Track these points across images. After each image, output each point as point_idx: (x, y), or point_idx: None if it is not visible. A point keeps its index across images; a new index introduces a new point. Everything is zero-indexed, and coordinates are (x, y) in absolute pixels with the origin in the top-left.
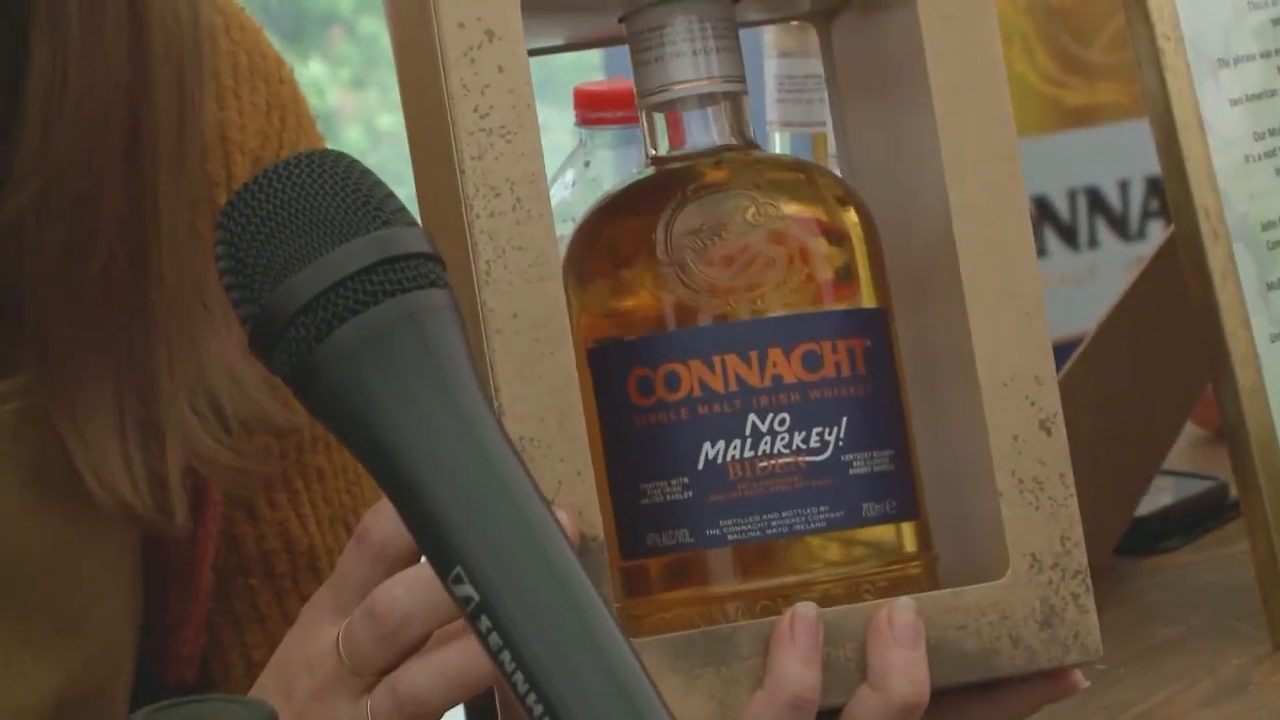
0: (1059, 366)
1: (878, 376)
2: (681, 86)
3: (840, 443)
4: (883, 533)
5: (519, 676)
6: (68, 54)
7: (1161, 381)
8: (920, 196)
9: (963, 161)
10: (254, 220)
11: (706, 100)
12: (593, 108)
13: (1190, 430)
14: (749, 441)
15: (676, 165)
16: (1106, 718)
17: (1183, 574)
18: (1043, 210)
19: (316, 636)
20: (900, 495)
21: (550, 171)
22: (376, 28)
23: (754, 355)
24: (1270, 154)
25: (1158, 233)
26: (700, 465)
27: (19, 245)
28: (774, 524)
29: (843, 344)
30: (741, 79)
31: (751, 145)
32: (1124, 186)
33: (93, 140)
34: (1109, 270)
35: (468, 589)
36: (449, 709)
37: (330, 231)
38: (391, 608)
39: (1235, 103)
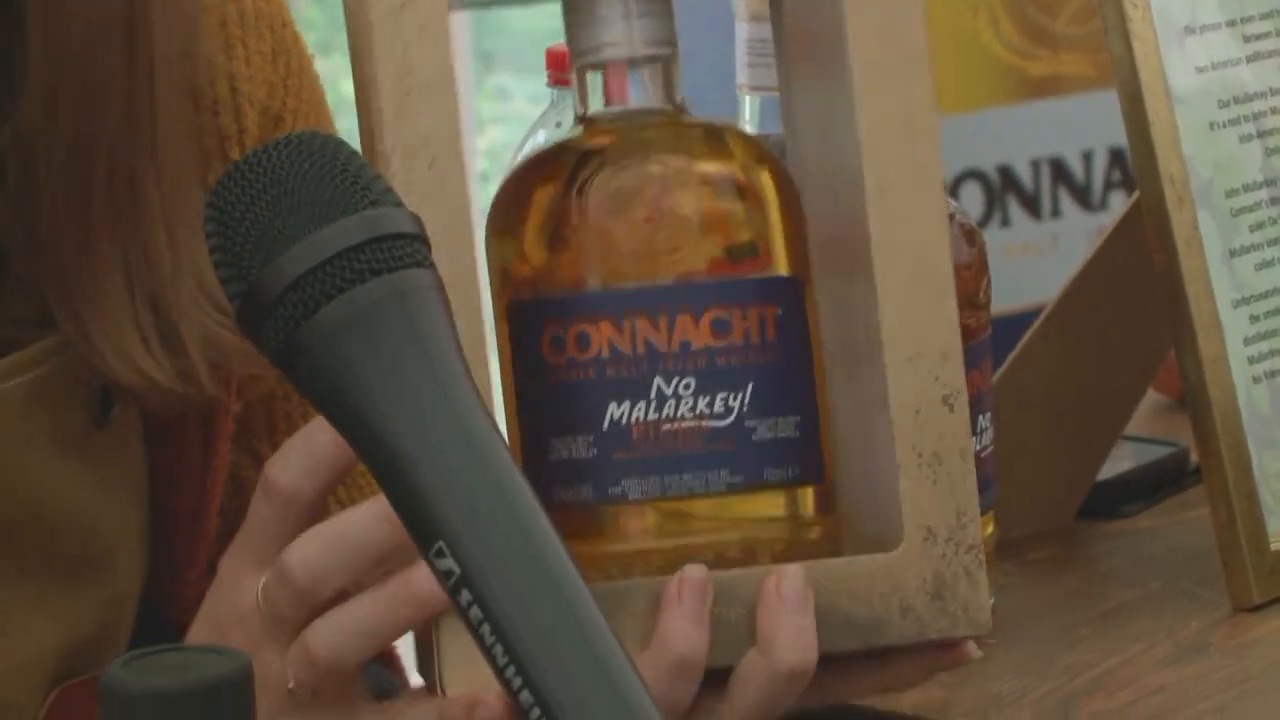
0: (1020, 336)
1: (788, 344)
2: (611, 49)
3: (744, 408)
4: (783, 497)
5: (499, 649)
6: None
7: (1124, 348)
8: (843, 170)
9: (880, 139)
10: (243, 199)
11: (635, 63)
12: (563, 69)
13: (1152, 397)
14: (654, 403)
15: (602, 126)
16: (1067, 679)
17: (1143, 538)
18: (1006, 180)
19: (241, 590)
20: (804, 461)
21: (522, 135)
22: None
23: (663, 319)
24: (1235, 121)
25: (1120, 203)
26: (605, 425)
27: (31, 149)
28: (674, 485)
29: (754, 311)
30: (673, 43)
31: (680, 109)
32: (1087, 157)
33: (93, 34)
34: (1071, 240)
35: (449, 562)
36: (363, 661)
37: (318, 211)
38: (304, 567)
39: (1201, 70)
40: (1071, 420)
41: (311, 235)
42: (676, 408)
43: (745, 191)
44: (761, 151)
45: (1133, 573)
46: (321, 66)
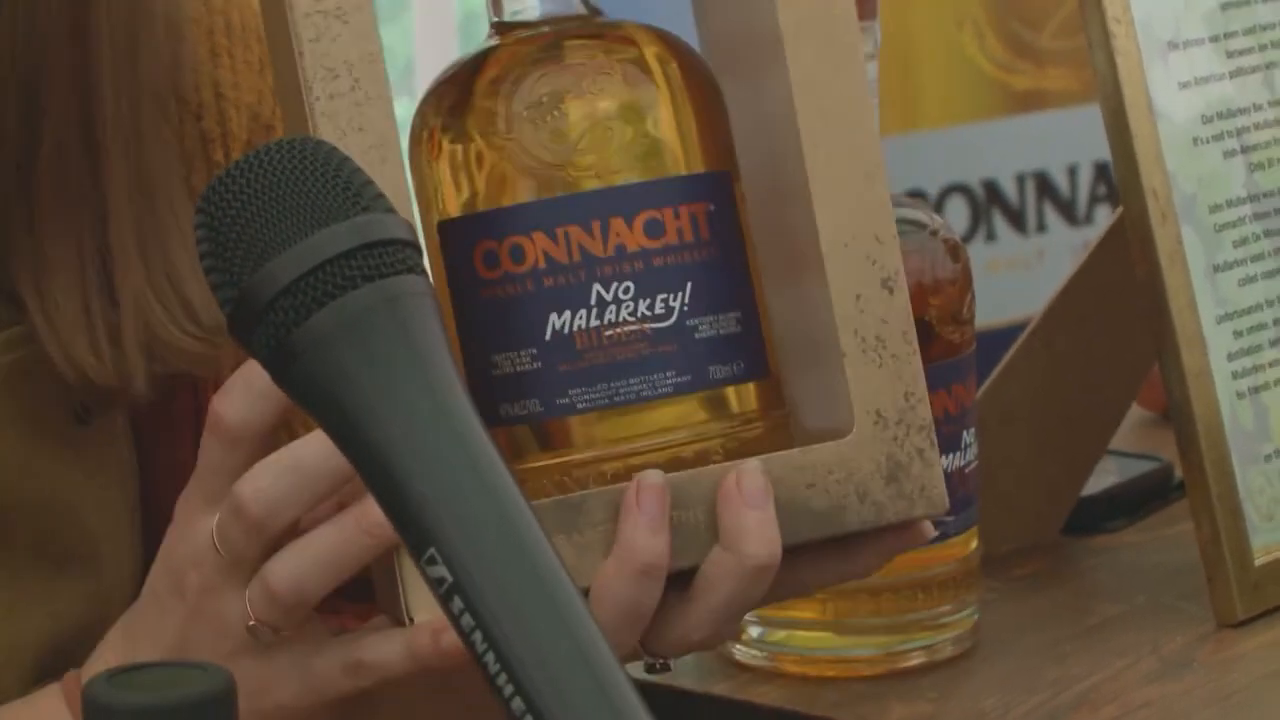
0: (1006, 351)
1: (722, 240)
2: None
3: (685, 308)
4: (731, 394)
5: (490, 657)
6: None
7: (1108, 363)
8: (766, 63)
9: (800, 32)
10: (234, 205)
11: None
12: None
13: (1136, 412)
14: (594, 311)
15: (517, 34)
16: (1051, 694)
17: (1127, 553)
18: (991, 194)
19: (195, 532)
20: (748, 356)
21: None
22: None
23: (596, 225)
24: (1218, 137)
25: (1105, 218)
26: (548, 336)
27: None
28: (622, 391)
29: (685, 209)
30: None
31: (595, 12)
32: (1072, 172)
33: (40, 23)
34: (1056, 254)
35: (441, 570)
36: (325, 593)
37: (309, 217)
38: (256, 498)
39: (1184, 86)
40: (1056, 435)
41: (303, 241)
42: (617, 313)
43: (667, 86)
44: (674, 46)
45: (1117, 588)
46: None
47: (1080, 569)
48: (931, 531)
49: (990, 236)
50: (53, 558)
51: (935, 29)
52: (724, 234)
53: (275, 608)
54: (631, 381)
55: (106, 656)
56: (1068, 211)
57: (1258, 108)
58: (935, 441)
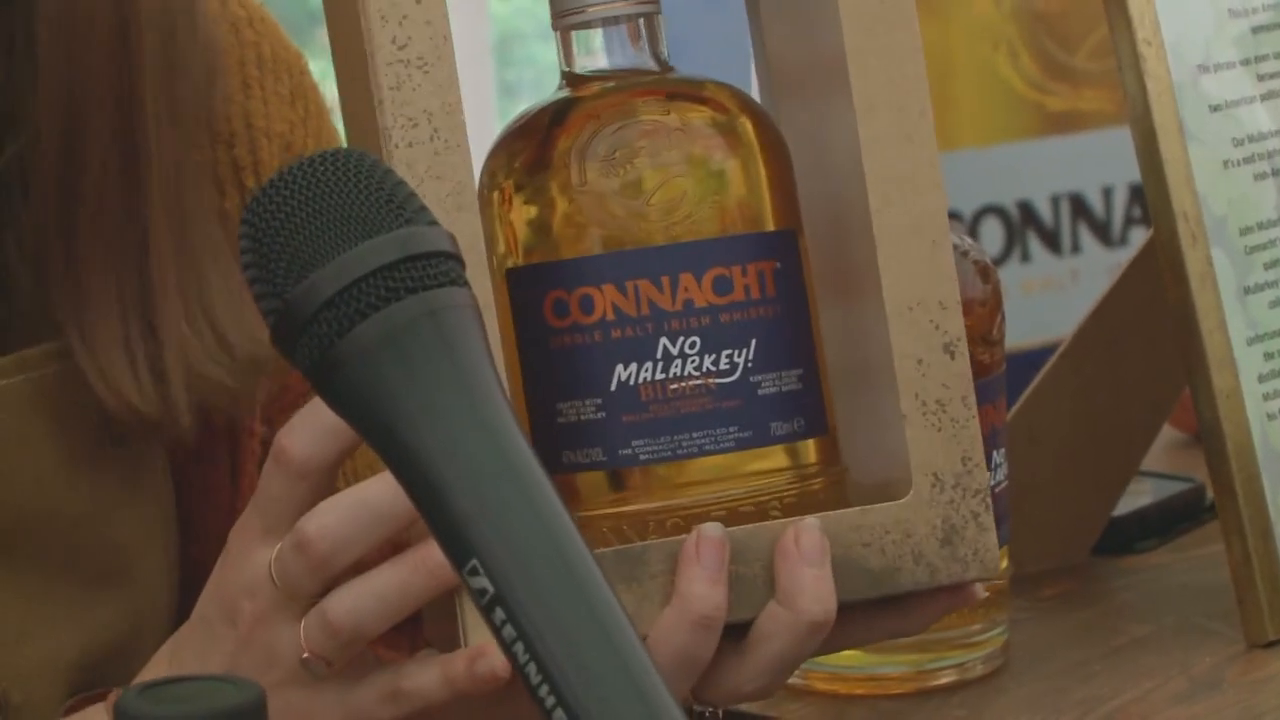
0: (1037, 373)
1: (787, 298)
2: (595, 8)
3: (749, 364)
4: (791, 450)
5: (532, 668)
6: None
7: (1139, 384)
8: (834, 124)
9: (873, 95)
10: (278, 216)
11: (620, 20)
12: None
13: (1167, 432)
14: (660, 364)
15: (590, 87)
16: (1080, 713)
17: (1158, 574)
18: (1026, 215)
19: (251, 562)
20: (808, 413)
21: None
22: None
23: (665, 280)
24: (1249, 160)
25: (1140, 240)
26: (613, 386)
27: (23, 170)
28: (684, 444)
29: (753, 267)
30: (655, 0)
31: (665, 67)
32: (1108, 193)
33: (82, 65)
34: (1091, 275)
35: (483, 581)
36: (382, 631)
37: (353, 229)
38: (322, 535)
39: (1215, 109)
40: (1086, 456)
41: (346, 253)
42: (683, 367)
43: (738, 146)
44: (748, 105)
45: (1147, 609)
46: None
47: (1110, 589)
48: (982, 593)
49: (1025, 257)
50: (86, 574)
51: (970, 49)
52: (789, 291)
53: (332, 642)
54: (694, 435)
55: (151, 677)
56: (1102, 233)
57: None
58: (990, 506)
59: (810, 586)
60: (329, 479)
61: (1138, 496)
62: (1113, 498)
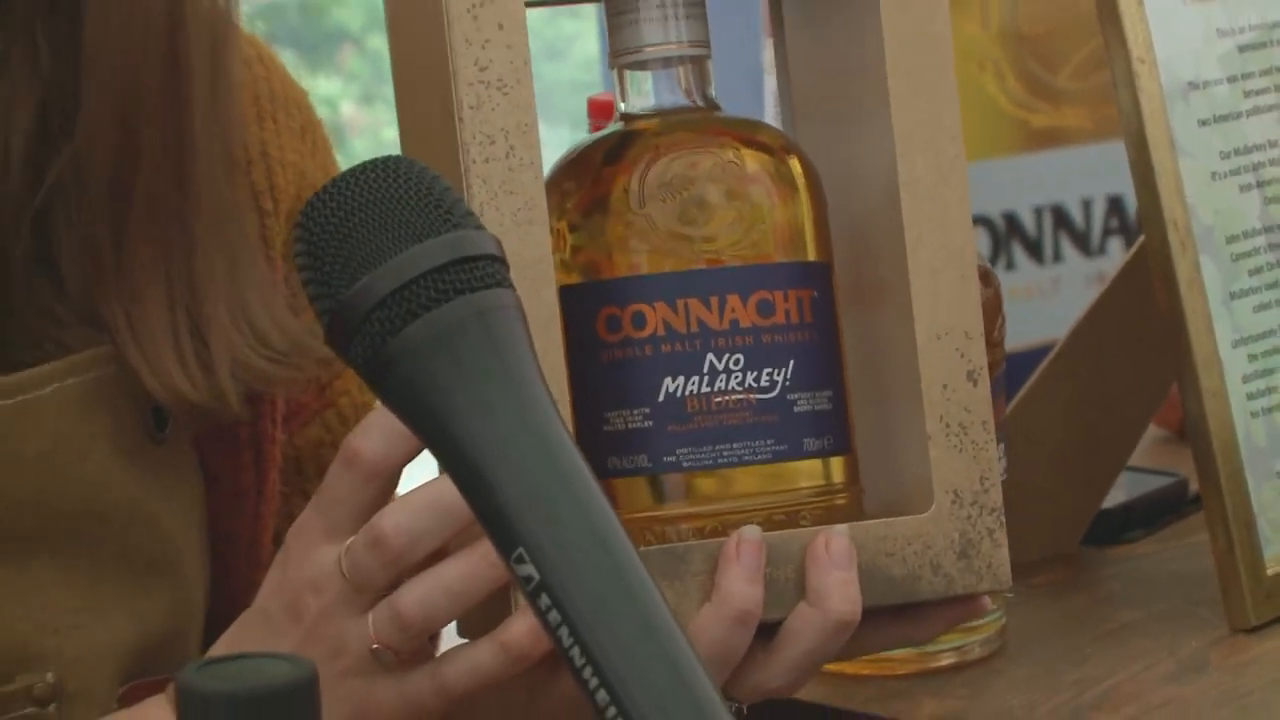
0: (1027, 372)
1: (821, 324)
2: (652, 49)
3: (787, 382)
4: (820, 465)
5: (575, 651)
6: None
7: (1128, 385)
8: (867, 165)
9: (912, 138)
10: (331, 221)
11: (674, 62)
12: (602, 115)
13: (1153, 429)
14: (706, 378)
15: (646, 122)
16: (1074, 694)
17: (1145, 563)
18: (1011, 226)
19: (314, 559)
20: (836, 432)
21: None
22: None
23: (714, 300)
24: (1235, 172)
25: (1117, 249)
26: (661, 398)
27: (79, 179)
28: (725, 454)
29: (793, 294)
30: (707, 44)
31: (713, 106)
32: (1087, 205)
33: (135, 68)
34: (1072, 283)
35: (529, 569)
36: (449, 623)
37: (404, 233)
38: (398, 532)
39: (1204, 123)
40: (1077, 452)
41: (397, 256)
42: (727, 382)
43: (783, 182)
44: (792, 144)
45: (1135, 595)
46: (364, 115)
47: (1100, 577)
48: (990, 605)
49: (1010, 265)
50: (135, 566)
51: (959, 70)
52: (823, 318)
53: (402, 633)
54: (735, 446)
55: None
56: (1082, 243)
57: (1273, 144)
58: (1004, 524)
59: (838, 588)
60: (395, 481)
61: (1124, 490)
62: (1102, 491)
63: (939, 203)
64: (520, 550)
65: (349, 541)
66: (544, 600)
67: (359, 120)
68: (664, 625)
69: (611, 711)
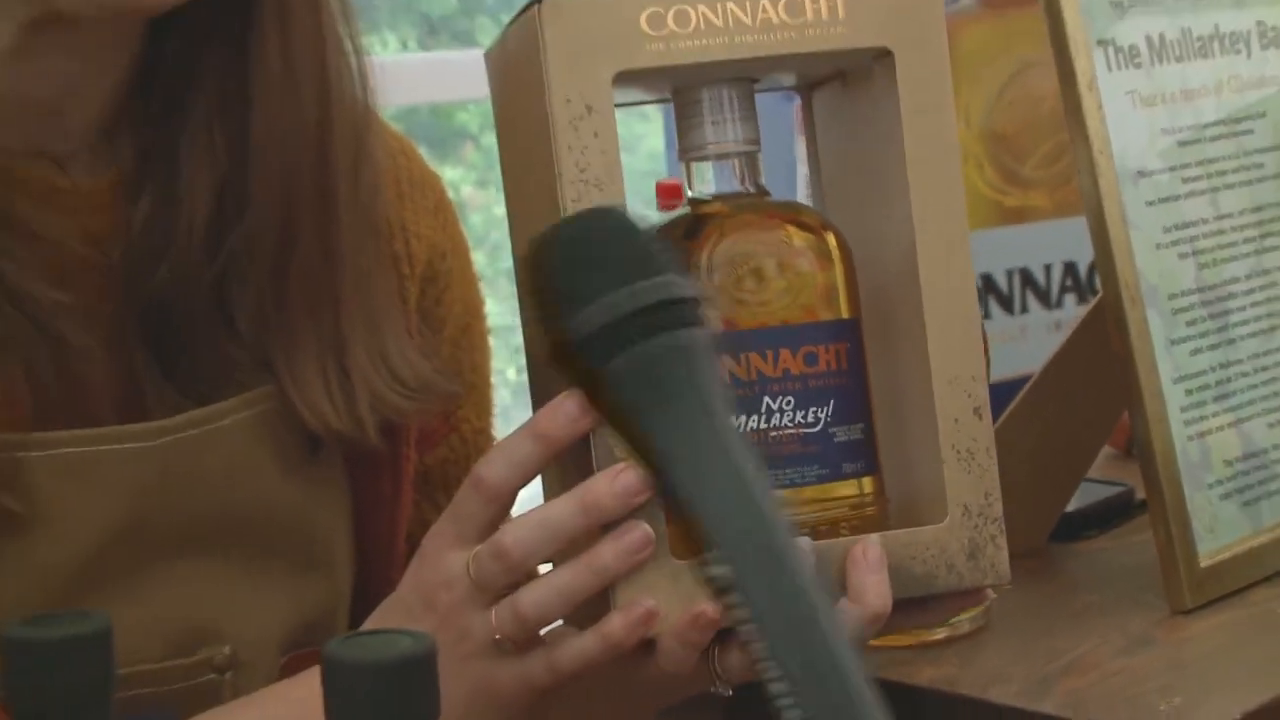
0: (1004, 402)
1: (854, 370)
2: (714, 146)
3: (828, 419)
4: (854, 484)
5: (759, 647)
6: (273, 97)
7: (1087, 413)
8: (889, 239)
9: (926, 219)
10: (557, 259)
11: (731, 156)
12: (670, 196)
13: (1105, 449)
14: (764, 416)
15: (710, 206)
16: (1045, 662)
17: (1100, 556)
18: (987, 284)
19: (447, 561)
20: (867, 456)
21: None
22: (495, 142)
23: (770, 354)
24: (1175, 243)
25: (1071, 303)
26: None
27: (249, 249)
28: (780, 477)
29: (833, 346)
30: (757, 141)
31: (764, 192)
32: (1047, 269)
33: (293, 162)
34: (1035, 330)
35: (719, 570)
36: (558, 618)
37: (618, 274)
38: (517, 546)
39: (1150, 204)
40: (1046, 467)
41: (613, 293)
42: (780, 419)
43: (823, 254)
44: (826, 221)
45: (1093, 583)
46: (480, 195)
47: (1064, 568)
48: (991, 595)
49: (987, 315)
50: (297, 563)
51: None
52: (856, 365)
53: (520, 627)
54: (787, 471)
55: None
56: (1043, 298)
57: (1204, 221)
58: (1004, 530)
59: (874, 588)
60: (513, 501)
61: (1083, 497)
62: (1066, 498)
63: (948, 271)
64: (713, 553)
65: (475, 550)
66: (733, 598)
67: (476, 199)
68: (828, 621)
69: (787, 701)
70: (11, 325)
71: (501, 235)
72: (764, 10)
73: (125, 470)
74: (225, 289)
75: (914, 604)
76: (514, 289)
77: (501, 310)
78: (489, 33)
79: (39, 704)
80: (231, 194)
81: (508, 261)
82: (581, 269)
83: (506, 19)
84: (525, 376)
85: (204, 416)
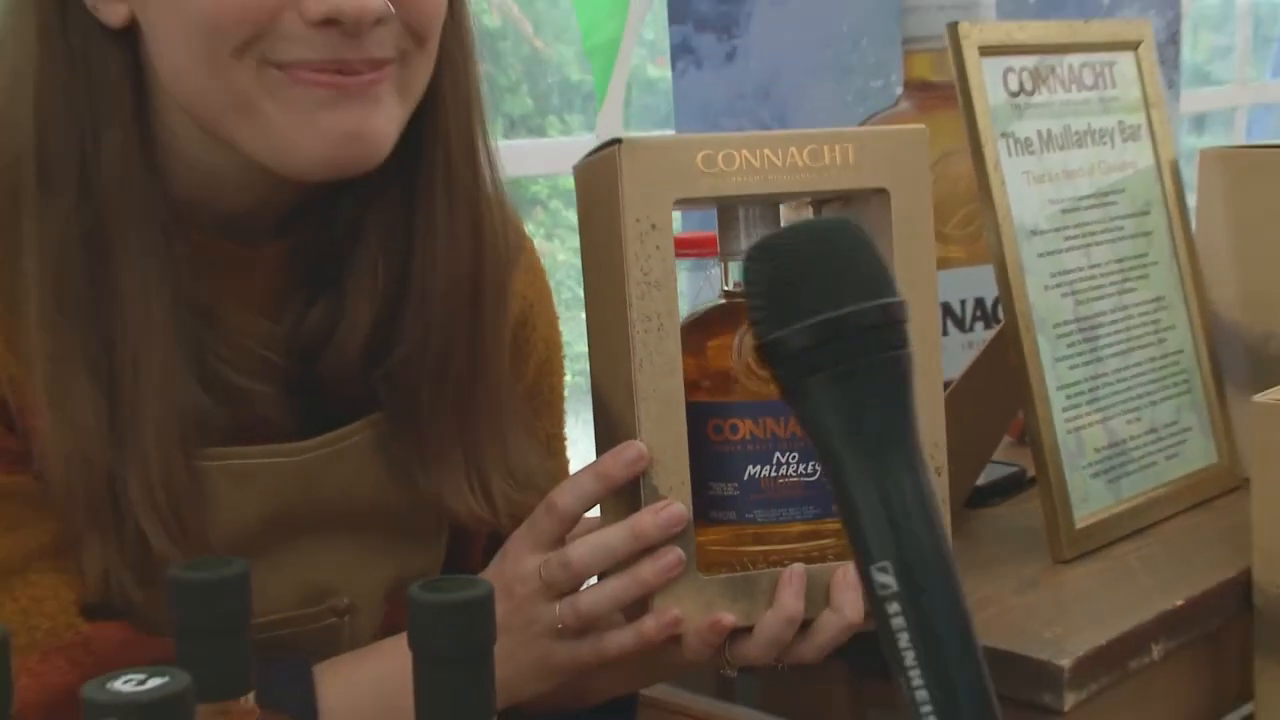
0: None
1: None
2: (744, 250)
3: (823, 471)
4: (839, 524)
5: (909, 655)
6: (437, 247)
7: (993, 411)
8: None
9: (909, 297)
10: (783, 266)
11: None
12: (679, 246)
13: (1005, 438)
14: (773, 466)
15: (739, 298)
16: None
17: (1001, 519)
18: None
19: (522, 562)
20: None
21: None
22: (560, 208)
23: (782, 420)
24: (1058, 285)
25: (980, 329)
26: (745, 477)
27: (415, 367)
28: (783, 515)
29: None
30: None
31: None
32: (963, 303)
33: (449, 298)
34: (953, 349)
35: (886, 579)
36: (610, 614)
37: (838, 292)
38: (580, 560)
39: (1040, 256)
40: (963, 451)
41: (830, 311)
42: (786, 470)
43: None
44: None
45: (995, 539)
46: (546, 246)
47: (975, 527)
48: None
49: None
50: (398, 536)
51: None
52: None
53: (578, 620)
54: (789, 510)
55: None
56: (960, 325)
57: (1080, 269)
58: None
59: (850, 603)
60: (577, 520)
61: (989, 474)
62: (976, 474)
63: (922, 358)
64: (883, 564)
65: (546, 557)
66: (893, 607)
67: (544, 248)
68: (971, 637)
69: (926, 709)
70: (222, 399)
71: (562, 274)
72: (791, 156)
73: (276, 476)
74: (374, 382)
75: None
76: (568, 316)
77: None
78: (555, 127)
79: (196, 624)
80: (388, 322)
81: (566, 295)
82: (801, 282)
83: (569, 117)
84: (576, 379)
85: (335, 438)
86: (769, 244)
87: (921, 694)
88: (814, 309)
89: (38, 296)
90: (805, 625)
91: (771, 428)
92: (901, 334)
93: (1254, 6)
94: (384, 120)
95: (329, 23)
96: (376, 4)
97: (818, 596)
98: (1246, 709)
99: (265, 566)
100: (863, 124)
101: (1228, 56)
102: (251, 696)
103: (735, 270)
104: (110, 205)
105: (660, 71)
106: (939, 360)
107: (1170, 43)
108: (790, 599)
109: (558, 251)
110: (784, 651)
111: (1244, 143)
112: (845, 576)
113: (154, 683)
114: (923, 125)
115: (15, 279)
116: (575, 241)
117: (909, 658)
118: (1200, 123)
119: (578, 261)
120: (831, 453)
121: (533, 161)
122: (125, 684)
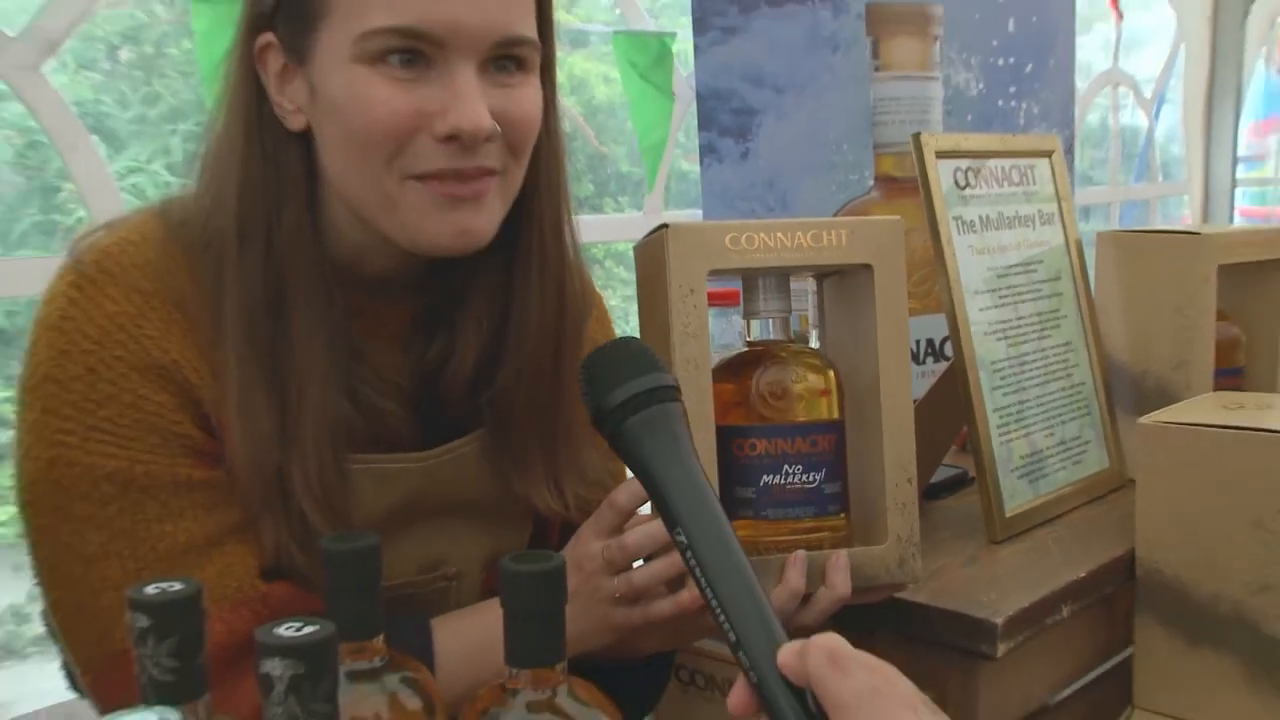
0: None
1: (839, 450)
2: (764, 311)
3: (821, 479)
4: (834, 520)
5: (703, 582)
6: (530, 305)
7: (945, 426)
8: (863, 372)
9: (888, 361)
10: (598, 366)
11: (774, 315)
12: (710, 299)
13: (952, 447)
14: (783, 475)
15: (760, 348)
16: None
17: (949, 510)
18: None
19: (589, 545)
20: (842, 502)
21: None
22: (607, 261)
23: (790, 439)
24: (995, 333)
25: (932, 364)
26: (761, 483)
27: (510, 397)
28: (790, 513)
29: (827, 436)
30: (789, 309)
31: (792, 339)
32: (918, 343)
33: (538, 343)
34: (913, 380)
35: (682, 538)
36: (655, 588)
37: (630, 373)
38: (633, 545)
39: (982, 310)
40: (923, 455)
41: (628, 383)
42: (792, 478)
43: (827, 382)
44: (829, 361)
45: (945, 524)
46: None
47: (930, 516)
48: (907, 588)
49: None
50: (496, 521)
51: None
52: (839, 447)
53: (632, 591)
54: (794, 509)
55: None
56: (916, 359)
57: (1010, 321)
58: (920, 550)
59: (840, 582)
60: (631, 515)
61: (940, 474)
62: (930, 475)
63: (896, 394)
64: (678, 529)
65: (608, 541)
66: (689, 557)
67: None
68: (747, 570)
69: (720, 615)
70: (364, 415)
71: (612, 316)
72: (798, 238)
73: (404, 476)
74: (479, 408)
75: (863, 591)
76: None
77: None
78: (610, 206)
79: (341, 583)
80: (489, 361)
81: (615, 332)
82: (610, 370)
83: (620, 198)
84: None
85: (450, 448)
86: (591, 357)
87: (714, 602)
88: (615, 386)
89: (232, 334)
90: (806, 598)
91: (781, 446)
92: (666, 394)
93: (1122, 130)
94: (486, 220)
95: (451, 139)
96: (487, 124)
97: (816, 575)
98: (1128, 651)
99: (393, 543)
100: (841, 208)
101: (1104, 165)
102: (381, 639)
103: (755, 327)
104: (287, 266)
105: (691, 165)
106: (909, 394)
107: (1068, 153)
108: (795, 577)
109: (610, 299)
110: (789, 618)
111: (1118, 228)
112: (837, 560)
113: (309, 629)
114: (899, 216)
115: (218, 321)
116: (624, 290)
117: (702, 582)
118: (1086, 213)
119: (625, 306)
120: (641, 465)
121: (593, 232)
122: (287, 630)
